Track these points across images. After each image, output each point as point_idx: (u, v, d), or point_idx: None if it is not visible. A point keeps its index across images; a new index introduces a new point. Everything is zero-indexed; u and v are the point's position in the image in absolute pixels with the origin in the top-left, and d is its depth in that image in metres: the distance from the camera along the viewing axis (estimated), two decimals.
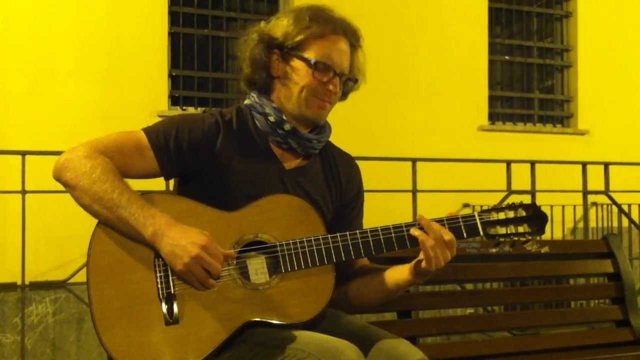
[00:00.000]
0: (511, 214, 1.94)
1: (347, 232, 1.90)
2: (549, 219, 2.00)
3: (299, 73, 1.98)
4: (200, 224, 1.83)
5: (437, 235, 1.85)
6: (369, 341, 1.88)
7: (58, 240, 5.54)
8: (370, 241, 1.90)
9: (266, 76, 2.02)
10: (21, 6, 5.87)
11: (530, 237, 1.94)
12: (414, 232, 1.87)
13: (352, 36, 2.03)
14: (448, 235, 1.86)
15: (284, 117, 2.00)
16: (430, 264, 1.85)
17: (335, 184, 2.08)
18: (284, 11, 2.08)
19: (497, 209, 1.95)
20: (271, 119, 2.00)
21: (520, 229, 1.93)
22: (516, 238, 1.94)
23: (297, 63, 1.98)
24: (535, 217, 1.95)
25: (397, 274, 1.98)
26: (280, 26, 2.00)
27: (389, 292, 2.01)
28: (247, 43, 2.03)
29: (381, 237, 1.90)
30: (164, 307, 1.79)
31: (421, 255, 1.88)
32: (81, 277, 2.18)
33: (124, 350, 1.76)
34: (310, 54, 1.97)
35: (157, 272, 1.82)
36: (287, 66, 2.00)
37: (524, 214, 1.94)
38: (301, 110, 2.00)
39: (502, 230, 1.93)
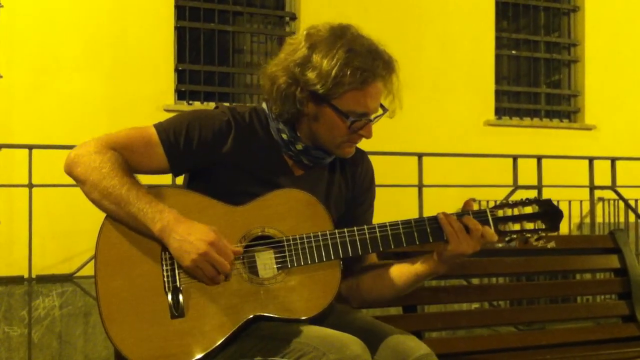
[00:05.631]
0: (524, 210, 1.87)
1: (355, 228, 1.89)
2: (564, 215, 1.91)
3: (333, 121, 1.89)
4: (207, 218, 1.83)
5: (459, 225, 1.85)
6: (376, 336, 1.88)
7: (65, 234, 5.55)
8: (378, 237, 1.89)
9: (295, 112, 1.91)
10: (27, 0, 5.87)
11: (543, 234, 1.86)
12: (440, 215, 1.86)
13: (388, 72, 1.92)
14: (473, 225, 1.84)
15: (298, 135, 1.95)
16: (456, 247, 1.85)
17: (345, 181, 2.07)
18: (316, 40, 1.88)
19: (509, 204, 1.89)
20: (284, 136, 1.95)
21: (533, 226, 1.86)
22: (528, 235, 1.86)
23: (331, 111, 1.89)
24: (550, 214, 1.88)
25: (417, 264, 1.96)
26: (313, 66, 1.85)
27: (406, 284, 1.99)
28: (276, 76, 1.90)
29: (389, 232, 1.89)
30: (170, 301, 1.80)
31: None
32: (88, 270, 2.19)
33: (130, 343, 1.77)
34: (346, 105, 1.87)
35: (164, 265, 1.82)
36: (319, 110, 1.90)
37: (537, 209, 1.88)
38: (330, 149, 1.95)
39: (514, 227, 1.87)
